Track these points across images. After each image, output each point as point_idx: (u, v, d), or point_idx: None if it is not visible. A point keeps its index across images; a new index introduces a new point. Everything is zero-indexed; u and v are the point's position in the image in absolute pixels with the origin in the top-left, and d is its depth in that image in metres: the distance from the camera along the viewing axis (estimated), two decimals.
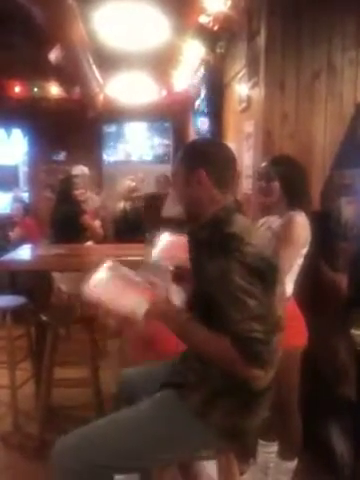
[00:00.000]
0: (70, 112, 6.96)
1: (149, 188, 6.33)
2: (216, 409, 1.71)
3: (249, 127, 3.36)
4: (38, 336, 3.49)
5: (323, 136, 3.02)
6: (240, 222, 1.73)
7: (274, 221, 2.42)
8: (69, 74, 5.46)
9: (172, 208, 2.19)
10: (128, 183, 6.00)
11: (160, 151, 7.57)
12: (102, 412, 3.03)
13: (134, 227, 5.50)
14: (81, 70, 5.21)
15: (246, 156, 3.42)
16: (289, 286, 2.36)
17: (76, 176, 4.96)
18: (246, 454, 2.65)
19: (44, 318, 3.18)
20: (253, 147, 3.26)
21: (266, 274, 1.63)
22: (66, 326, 4.27)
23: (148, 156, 7.65)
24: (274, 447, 2.56)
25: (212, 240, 1.69)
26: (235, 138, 3.90)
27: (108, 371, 3.40)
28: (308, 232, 2.34)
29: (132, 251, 3.41)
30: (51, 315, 3.21)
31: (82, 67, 5.12)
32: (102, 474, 1.66)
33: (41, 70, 5.85)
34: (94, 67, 5.44)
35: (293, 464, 2.49)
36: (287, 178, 2.39)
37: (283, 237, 2.27)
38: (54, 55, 4.34)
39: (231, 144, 4.02)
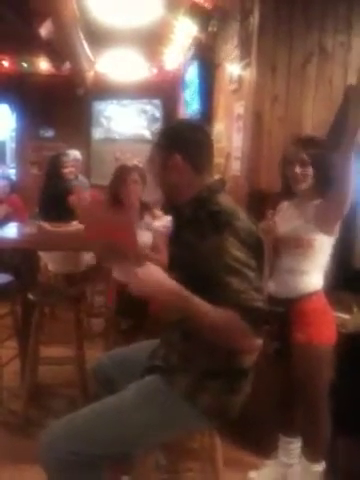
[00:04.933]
0: (59, 88, 6.88)
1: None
2: (204, 391, 1.72)
3: (239, 108, 3.34)
4: (24, 314, 3.49)
5: (313, 119, 3.00)
6: (224, 200, 1.76)
7: (305, 207, 2.31)
8: (59, 49, 5.38)
9: (153, 192, 2.18)
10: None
11: (150, 130, 7.50)
12: (86, 390, 3.05)
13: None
14: (71, 45, 5.13)
15: (236, 137, 3.40)
16: (319, 277, 2.32)
17: (65, 154, 4.92)
18: (265, 448, 2.62)
19: (30, 296, 3.17)
20: (243, 129, 3.24)
21: (256, 249, 1.67)
22: (52, 305, 4.26)
23: (137, 134, 7.57)
24: (297, 444, 2.47)
25: (199, 218, 1.70)
26: (225, 119, 3.87)
27: (93, 350, 3.42)
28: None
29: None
30: (37, 294, 3.20)
31: (72, 42, 5.04)
32: (91, 463, 1.65)
33: (30, 45, 5.76)
34: (84, 43, 5.36)
35: (320, 467, 2.36)
36: (321, 163, 2.25)
37: (319, 224, 2.22)
38: (45, 30, 4.26)
39: (221, 125, 4.00)
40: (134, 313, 2.99)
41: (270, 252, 2.30)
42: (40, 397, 3.26)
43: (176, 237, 1.87)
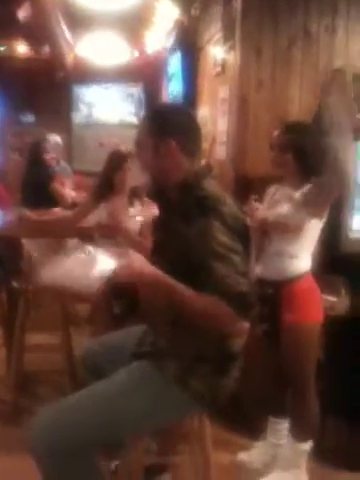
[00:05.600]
0: (38, 73, 6.79)
1: None
2: (193, 375, 1.73)
3: (224, 92, 3.32)
4: (9, 302, 3.46)
5: (298, 103, 2.99)
6: (211, 185, 1.76)
7: (291, 192, 2.31)
8: (38, 33, 5.29)
9: (139, 177, 2.17)
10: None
11: (131, 114, 7.43)
12: (74, 377, 3.05)
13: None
14: (50, 28, 5.06)
15: (220, 122, 3.39)
16: (307, 260, 2.35)
17: (46, 140, 4.86)
18: (254, 429, 2.66)
19: (14, 284, 3.15)
20: (228, 113, 3.23)
21: (242, 234, 1.69)
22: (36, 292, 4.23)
23: (118, 119, 7.50)
24: (285, 424, 2.51)
25: (186, 203, 1.70)
26: (209, 103, 3.85)
27: (79, 336, 3.40)
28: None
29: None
30: (21, 281, 3.18)
31: (51, 25, 4.97)
32: (82, 449, 1.64)
33: (8, 28, 5.64)
34: (64, 26, 5.27)
35: (306, 446, 2.40)
36: (301, 148, 2.26)
37: (308, 209, 2.23)
38: (23, 12, 4.18)
39: (205, 109, 3.98)
40: (127, 296, 2.98)
41: (256, 236, 2.32)
42: (28, 385, 3.25)
43: (161, 222, 1.87)
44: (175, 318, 1.73)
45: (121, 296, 2.95)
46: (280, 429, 2.54)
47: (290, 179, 2.34)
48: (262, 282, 2.33)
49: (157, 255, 1.81)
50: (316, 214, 2.26)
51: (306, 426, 2.39)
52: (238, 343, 1.80)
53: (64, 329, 3.17)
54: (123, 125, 7.35)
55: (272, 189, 2.50)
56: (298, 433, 2.40)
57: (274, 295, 2.32)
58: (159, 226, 1.90)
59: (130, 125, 7.14)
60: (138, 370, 1.79)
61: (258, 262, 2.38)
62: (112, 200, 3.19)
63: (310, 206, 2.24)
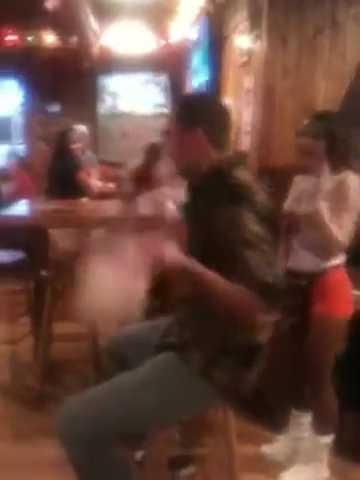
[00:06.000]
0: (65, 62, 6.78)
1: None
2: (218, 367, 1.72)
3: (249, 82, 3.29)
4: (36, 291, 3.50)
5: (324, 93, 2.96)
6: (243, 174, 1.74)
7: (318, 183, 2.23)
8: (65, 23, 5.30)
9: (168, 165, 2.17)
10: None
11: (155, 104, 7.41)
12: (99, 367, 3.08)
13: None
14: (78, 18, 5.06)
15: (245, 112, 3.37)
16: (341, 254, 2.30)
17: (72, 130, 4.88)
18: (277, 422, 2.65)
19: (43, 274, 3.18)
20: (253, 103, 3.20)
21: (272, 224, 1.67)
22: (64, 282, 4.28)
23: (143, 109, 7.50)
24: (307, 418, 2.48)
25: (217, 191, 1.69)
26: (234, 93, 3.82)
27: (105, 326, 3.43)
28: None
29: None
30: (49, 271, 3.21)
31: (79, 15, 4.97)
32: (107, 439, 1.65)
33: (36, 19, 5.67)
34: (91, 16, 5.28)
35: (328, 439, 2.38)
36: (334, 136, 2.20)
37: (339, 200, 2.17)
38: (51, 3, 4.19)
39: (230, 99, 3.96)
40: (162, 293, 3.00)
41: (282, 227, 2.30)
42: (54, 373, 3.29)
43: (191, 210, 1.85)
44: (200, 310, 1.73)
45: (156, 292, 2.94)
46: (302, 422, 2.52)
47: (318, 169, 2.28)
48: (294, 274, 2.30)
49: (188, 243, 1.80)
50: (340, 213, 2.21)
51: (326, 419, 2.38)
52: (263, 335, 1.79)
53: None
54: (148, 115, 7.34)
55: (298, 179, 2.46)
56: (319, 426, 2.39)
57: (306, 287, 2.31)
58: (188, 213, 1.89)
59: (155, 115, 7.15)
60: (163, 362, 1.79)
61: (288, 254, 2.35)
62: (152, 191, 3.19)
63: (333, 203, 2.19)
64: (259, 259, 1.55)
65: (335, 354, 2.34)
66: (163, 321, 2.01)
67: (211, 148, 1.76)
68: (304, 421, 2.51)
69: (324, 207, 2.19)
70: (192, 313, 1.79)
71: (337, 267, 2.30)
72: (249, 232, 1.57)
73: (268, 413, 2.68)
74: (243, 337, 1.73)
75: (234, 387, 1.76)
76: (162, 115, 7.23)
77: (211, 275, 1.59)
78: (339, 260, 2.30)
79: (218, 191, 1.69)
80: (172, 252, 1.64)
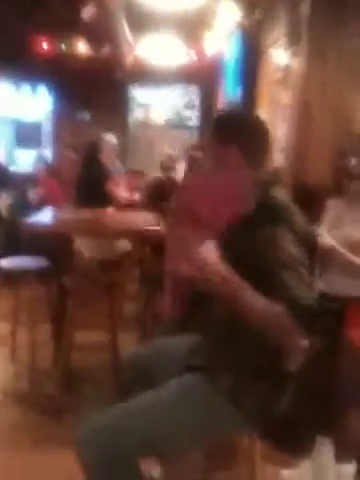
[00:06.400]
0: (97, 72, 6.83)
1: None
2: (247, 393, 1.67)
3: (285, 98, 3.25)
4: (58, 299, 3.49)
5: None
6: (280, 194, 1.69)
7: (354, 207, 2.22)
8: (100, 32, 5.34)
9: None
10: (168, 152, 5.86)
11: (187, 116, 7.41)
12: (119, 378, 3.03)
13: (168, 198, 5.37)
14: (112, 28, 5.09)
15: (281, 128, 3.32)
16: None
17: (102, 140, 4.89)
18: (301, 448, 2.57)
19: (66, 282, 3.16)
20: (289, 119, 3.15)
21: (309, 245, 1.62)
22: (86, 291, 4.26)
23: (174, 121, 7.50)
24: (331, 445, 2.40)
25: (256, 210, 1.64)
26: (269, 109, 3.78)
27: (125, 335, 3.39)
28: None
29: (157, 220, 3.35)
30: (72, 279, 3.19)
31: (113, 26, 5.00)
32: (128, 461, 1.61)
33: (71, 27, 5.72)
34: (125, 26, 5.30)
35: (351, 468, 2.31)
36: None
37: None
38: (87, 13, 4.22)
39: (264, 115, 3.91)
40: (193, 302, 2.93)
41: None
42: (73, 382, 3.25)
43: (229, 230, 1.80)
44: (232, 331, 1.67)
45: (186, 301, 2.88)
46: (326, 450, 2.45)
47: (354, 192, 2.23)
48: (327, 297, 2.23)
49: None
50: None
51: (349, 448, 2.33)
52: (295, 362, 1.72)
53: (112, 330, 3.16)
54: (178, 127, 7.34)
55: (332, 203, 2.39)
56: (342, 454, 2.32)
57: (339, 311, 2.23)
58: (226, 233, 1.83)
59: (185, 127, 7.14)
60: (189, 383, 1.73)
61: (322, 276, 2.29)
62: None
63: None
64: (296, 281, 1.50)
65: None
66: (189, 338, 1.95)
67: (247, 166, 1.71)
68: (327, 449, 2.43)
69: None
70: (224, 334, 1.73)
71: None
72: (286, 253, 1.53)
73: (293, 439, 2.60)
74: (275, 363, 1.67)
75: (262, 415, 1.69)
76: (192, 128, 7.24)
77: (250, 291, 1.53)
78: None
79: (255, 211, 1.64)
80: (213, 257, 1.58)
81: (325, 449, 2.43)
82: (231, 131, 1.72)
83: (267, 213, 1.60)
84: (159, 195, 5.36)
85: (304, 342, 1.54)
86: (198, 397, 1.69)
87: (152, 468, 2.02)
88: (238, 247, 1.64)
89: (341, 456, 2.31)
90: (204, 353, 1.80)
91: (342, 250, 2.23)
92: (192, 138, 6.81)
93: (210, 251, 1.59)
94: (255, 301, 1.52)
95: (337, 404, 2.34)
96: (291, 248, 1.54)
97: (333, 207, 2.39)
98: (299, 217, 1.65)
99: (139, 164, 6.84)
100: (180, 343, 1.98)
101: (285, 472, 2.55)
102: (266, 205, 1.64)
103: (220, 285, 1.56)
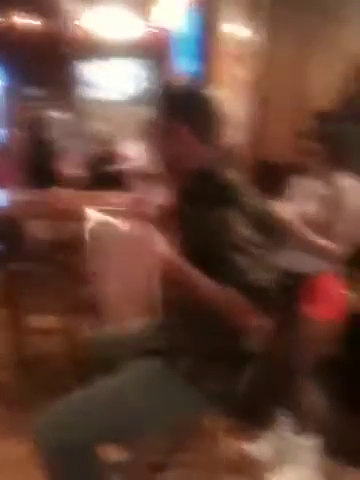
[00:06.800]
0: (43, 46, 6.59)
1: (128, 132, 6.06)
2: (207, 374, 1.65)
3: (244, 73, 3.19)
4: (11, 283, 3.36)
5: (323, 86, 2.86)
6: (231, 174, 1.67)
7: (317, 187, 2.24)
8: (43, 5, 5.11)
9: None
10: (101, 126, 5.72)
11: (139, 92, 7.26)
12: (77, 361, 2.97)
13: (108, 174, 5.26)
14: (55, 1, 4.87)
15: (238, 104, 3.27)
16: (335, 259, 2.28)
17: (49, 117, 4.72)
18: (260, 422, 2.58)
19: (17, 265, 3.06)
20: (248, 95, 3.10)
21: (264, 225, 1.62)
22: (37, 273, 4.14)
23: (125, 97, 7.34)
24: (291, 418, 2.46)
25: (204, 192, 1.61)
26: (226, 84, 3.71)
27: (81, 319, 3.32)
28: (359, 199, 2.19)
29: (110, 200, 3.27)
30: (25, 262, 3.09)
31: None
32: (87, 448, 1.58)
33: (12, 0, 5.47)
34: None
35: (310, 441, 2.35)
36: (332, 138, 2.17)
37: (335, 207, 2.15)
38: None
39: (221, 91, 3.84)
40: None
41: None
42: (29, 368, 3.16)
43: (178, 211, 1.75)
44: (189, 314, 1.65)
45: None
46: (287, 422, 2.48)
47: (317, 170, 2.23)
48: (287, 274, 2.26)
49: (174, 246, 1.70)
50: (336, 216, 2.17)
51: (308, 420, 2.37)
52: (255, 341, 1.72)
53: (66, 312, 3.08)
54: (129, 103, 7.20)
55: (295, 181, 2.39)
56: (300, 427, 2.37)
57: (294, 287, 2.24)
58: (174, 216, 1.78)
59: (137, 103, 7.00)
60: (149, 368, 1.70)
61: (281, 253, 2.30)
62: None
63: (329, 207, 2.15)
64: (249, 263, 1.50)
65: (319, 356, 2.31)
66: (151, 324, 1.91)
67: (199, 145, 1.66)
68: (287, 421, 2.48)
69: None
70: (182, 317, 1.70)
71: (328, 270, 2.26)
72: (238, 235, 1.52)
73: (254, 414, 2.62)
74: (234, 344, 1.65)
75: (224, 395, 1.68)
76: (144, 103, 7.10)
77: (201, 277, 1.54)
78: (331, 264, 2.26)
79: (206, 192, 1.61)
80: (163, 248, 1.57)
81: (285, 422, 2.47)
82: (180, 107, 1.65)
83: (218, 194, 1.58)
84: (99, 170, 5.28)
85: (260, 322, 1.54)
86: (157, 381, 1.66)
87: (114, 454, 2.00)
88: (190, 229, 1.62)
89: (299, 429, 2.35)
90: (162, 336, 1.77)
91: (299, 226, 2.24)
92: (145, 114, 6.68)
93: (158, 244, 1.57)
94: (207, 287, 1.52)
95: (294, 378, 2.38)
96: (243, 229, 1.53)
97: (294, 184, 2.39)
98: (252, 197, 1.63)
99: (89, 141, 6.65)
100: (142, 328, 1.93)
101: (248, 447, 2.57)
102: (216, 186, 1.60)
103: (172, 274, 1.56)
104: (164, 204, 1.90)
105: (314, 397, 2.37)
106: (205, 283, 1.53)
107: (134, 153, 5.56)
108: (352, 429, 2.62)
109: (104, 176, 5.07)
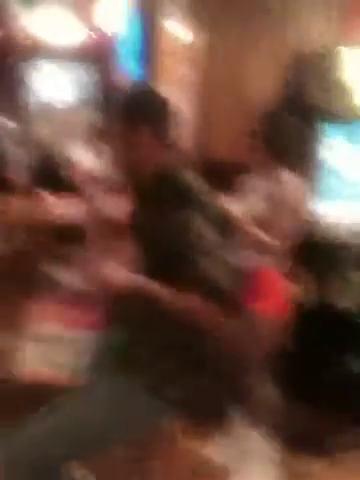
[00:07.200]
0: None
1: (75, 137, 5.97)
2: (171, 384, 1.64)
3: (185, 71, 3.17)
4: None
5: (263, 83, 2.87)
6: (188, 175, 1.66)
7: (260, 182, 2.24)
8: None
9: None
10: (45, 131, 5.60)
11: (82, 95, 7.16)
12: None
13: (52, 180, 5.14)
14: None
15: (182, 104, 3.25)
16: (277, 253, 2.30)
17: None
18: (215, 421, 2.59)
19: None
20: (193, 96, 3.08)
21: (222, 224, 1.63)
22: None
23: (71, 101, 7.23)
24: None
25: (163, 195, 1.60)
26: (169, 83, 3.68)
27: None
28: (299, 194, 2.21)
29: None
30: None
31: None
32: (55, 467, 1.57)
33: None
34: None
35: (263, 434, 2.39)
36: (271, 134, 2.21)
37: (276, 202, 2.15)
38: None
39: (165, 90, 3.82)
40: None
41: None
42: None
43: (137, 216, 1.72)
44: (144, 323, 1.64)
45: None
46: (240, 418, 2.49)
47: (259, 167, 2.26)
48: (238, 271, 2.27)
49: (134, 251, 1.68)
50: (278, 212, 2.19)
51: (262, 414, 2.39)
52: (214, 342, 1.71)
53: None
54: (74, 107, 7.09)
55: (240, 180, 2.40)
56: (254, 422, 2.40)
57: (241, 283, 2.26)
58: (134, 220, 1.75)
59: (82, 107, 6.91)
60: (109, 380, 1.67)
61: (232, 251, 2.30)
62: None
63: (271, 203, 2.16)
64: (211, 263, 1.51)
65: (263, 349, 2.32)
66: (110, 335, 1.86)
67: (159, 147, 1.65)
68: (238, 417, 2.48)
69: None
70: (136, 327, 1.68)
71: (269, 265, 2.26)
72: (199, 236, 1.53)
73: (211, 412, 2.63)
74: (195, 347, 1.65)
75: (186, 399, 1.67)
76: (89, 107, 7.01)
77: (162, 290, 1.53)
78: (272, 258, 2.28)
79: (166, 195, 1.60)
80: (117, 272, 1.56)
81: (238, 418, 2.48)
82: (141, 111, 1.63)
83: (176, 196, 1.57)
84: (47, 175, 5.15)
85: (221, 322, 1.54)
86: (119, 394, 1.63)
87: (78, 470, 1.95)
88: (150, 233, 1.60)
89: (254, 423, 2.38)
90: (122, 349, 1.73)
91: (246, 223, 2.26)
92: (90, 118, 6.61)
93: (115, 271, 1.56)
94: (169, 298, 1.52)
95: (246, 373, 2.38)
96: (204, 231, 1.53)
97: (242, 183, 2.40)
98: (208, 197, 1.63)
99: None
100: (102, 340, 1.90)
101: (208, 451, 2.56)
102: (175, 187, 1.59)
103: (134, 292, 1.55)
104: (118, 212, 1.88)
105: (267, 390, 2.36)
106: (167, 295, 1.52)
107: (81, 157, 5.49)
108: (305, 418, 2.66)
109: (52, 181, 4.97)
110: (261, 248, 2.22)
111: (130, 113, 1.64)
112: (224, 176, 2.43)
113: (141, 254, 1.60)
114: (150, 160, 1.65)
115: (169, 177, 1.63)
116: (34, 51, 6.54)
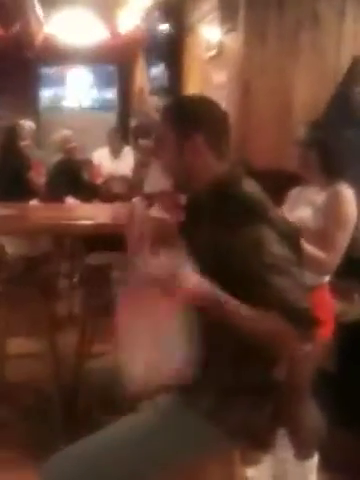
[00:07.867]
0: (5, 51, 6.36)
1: (94, 139, 5.90)
2: (228, 410, 1.52)
3: (219, 77, 3.09)
4: None
5: (305, 92, 2.77)
6: (251, 187, 1.52)
7: (313, 194, 2.14)
8: (8, 9, 4.92)
9: (157, 181, 1.93)
10: (63, 133, 5.52)
11: (104, 98, 7.10)
12: (61, 386, 2.82)
13: (70, 183, 5.07)
14: (21, 5, 4.70)
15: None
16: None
17: (20, 126, 4.54)
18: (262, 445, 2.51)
19: None
20: (226, 100, 2.99)
21: (293, 240, 1.50)
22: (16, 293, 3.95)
23: (90, 103, 7.18)
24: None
25: (225, 209, 1.48)
26: (199, 88, 3.60)
27: (66, 339, 3.15)
28: (354, 208, 2.09)
29: (83, 213, 3.12)
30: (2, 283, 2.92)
31: (23, 2, 4.62)
32: None
33: None
34: (36, 2, 4.92)
35: (310, 461, 2.25)
36: (326, 145, 2.10)
37: (331, 216, 2.05)
38: None
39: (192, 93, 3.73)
40: None
41: None
42: (10, 395, 2.99)
43: (194, 232, 1.61)
44: (209, 344, 1.50)
45: None
46: (285, 443, 2.39)
47: (314, 179, 2.15)
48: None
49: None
50: (334, 227, 2.07)
51: (303, 440, 2.24)
52: (281, 370, 1.61)
53: (49, 332, 2.91)
54: (94, 109, 7.04)
55: (295, 191, 2.30)
56: (297, 448, 2.24)
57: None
58: (192, 236, 1.64)
59: (102, 109, 6.86)
60: (167, 406, 1.56)
61: None
62: None
63: (325, 217, 2.06)
64: (288, 282, 1.38)
65: (311, 372, 2.22)
66: None
67: (212, 157, 1.53)
68: (285, 441, 2.38)
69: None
70: (205, 350, 1.55)
71: (320, 286, 2.17)
72: (273, 254, 1.39)
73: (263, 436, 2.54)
74: (259, 375, 1.53)
75: (248, 430, 1.56)
76: (109, 110, 6.94)
77: (236, 304, 1.38)
78: (324, 279, 2.18)
79: (227, 209, 1.47)
80: (194, 279, 1.38)
81: (284, 442, 2.38)
82: (194, 119, 1.52)
83: (243, 211, 1.44)
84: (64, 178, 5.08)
85: (302, 347, 1.43)
86: (177, 422, 1.53)
87: None
88: (215, 252, 1.45)
89: (297, 451, 2.22)
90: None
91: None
92: (110, 120, 6.55)
93: (189, 277, 1.38)
94: (246, 313, 1.37)
95: (294, 397, 2.29)
96: (277, 247, 1.40)
97: (292, 196, 2.30)
98: (276, 211, 1.51)
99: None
100: None
101: (250, 471, 2.47)
102: (238, 201, 1.47)
103: (207, 307, 1.39)
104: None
105: (314, 414, 2.26)
106: (246, 311, 1.37)
107: (102, 161, 5.45)
108: (351, 443, 2.57)
109: (74, 185, 4.91)
110: (315, 265, 2.11)
111: (181, 119, 1.54)
112: (271, 186, 2.34)
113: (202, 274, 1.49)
114: (205, 170, 1.54)
115: (227, 189, 1.50)
116: (56, 52, 6.49)
